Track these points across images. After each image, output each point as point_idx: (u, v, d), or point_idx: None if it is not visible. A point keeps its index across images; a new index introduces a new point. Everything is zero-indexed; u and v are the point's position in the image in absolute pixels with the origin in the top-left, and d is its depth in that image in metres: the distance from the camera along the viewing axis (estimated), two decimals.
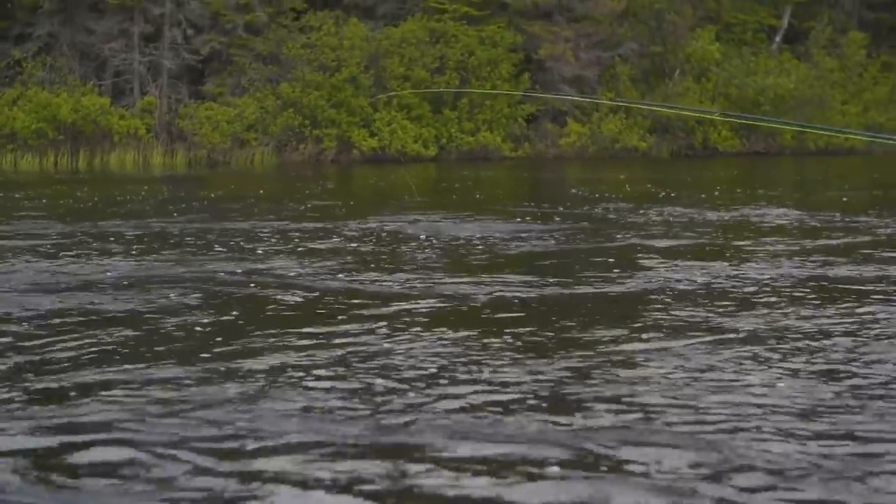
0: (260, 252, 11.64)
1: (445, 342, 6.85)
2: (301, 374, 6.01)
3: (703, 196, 20.45)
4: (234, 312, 7.95)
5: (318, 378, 5.92)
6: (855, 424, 5.06)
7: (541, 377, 5.96)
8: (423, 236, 13.22)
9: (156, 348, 6.67)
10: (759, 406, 5.35)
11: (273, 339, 6.93)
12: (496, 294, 8.74)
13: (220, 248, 11.99)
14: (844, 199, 19.31)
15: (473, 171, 31.28)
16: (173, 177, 31.57)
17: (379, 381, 5.86)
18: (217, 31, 40.75)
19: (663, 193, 20.92)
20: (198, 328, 7.36)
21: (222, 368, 6.13)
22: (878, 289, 8.94)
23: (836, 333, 7.09)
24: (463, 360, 6.36)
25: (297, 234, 13.61)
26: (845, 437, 4.88)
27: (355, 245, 12.41)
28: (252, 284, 9.30)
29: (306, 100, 38.84)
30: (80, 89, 38.58)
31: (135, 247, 12.13)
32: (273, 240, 12.92)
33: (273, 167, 36.84)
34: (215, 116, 38.64)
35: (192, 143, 38.89)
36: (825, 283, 9.27)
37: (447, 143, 40.22)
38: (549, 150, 41.16)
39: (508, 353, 6.53)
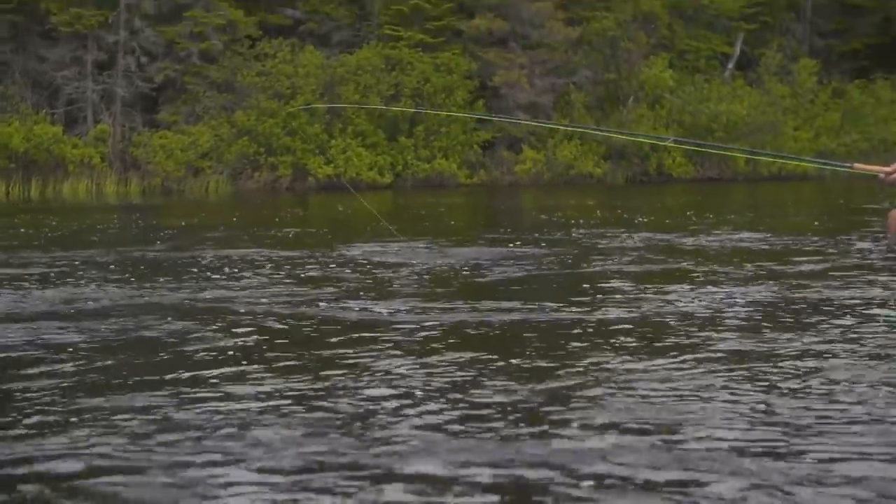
0: (249, 279, 11.58)
1: (435, 366, 6.81)
2: (290, 401, 5.95)
3: (672, 221, 20.53)
4: (226, 339, 7.89)
5: (309, 405, 5.86)
6: (835, 443, 5.05)
7: (527, 400, 5.94)
8: (415, 262, 13.21)
9: (145, 375, 6.59)
10: (743, 425, 5.34)
11: (263, 365, 6.88)
12: (485, 319, 8.73)
13: (212, 275, 11.93)
14: (816, 223, 19.43)
15: (435, 198, 31.25)
16: (134, 205, 31.35)
17: (368, 405, 5.82)
18: (171, 58, 40.61)
19: (638, 219, 20.99)
20: (192, 354, 7.32)
21: (211, 395, 6.08)
22: (854, 310, 8.99)
23: (813, 353, 7.10)
24: (452, 383, 6.33)
25: (281, 261, 13.52)
26: (829, 455, 4.88)
27: (346, 271, 12.35)
28: (242, 311, 9.25)
29: (261, 127, 38.77)
30: (33, 118, 38.34)
31: (127, 275, 12.03)
32: (261, 267, 12.85)
33: (228, 195, 36.71)
34: (169, 145, 38.48)
35: (146, 171, 38.72)
36: (807, 306, 9.31)
37: (403, 170, 40.23)
38: (505, 177, 41.25)
39: (498, 377, 6.51)
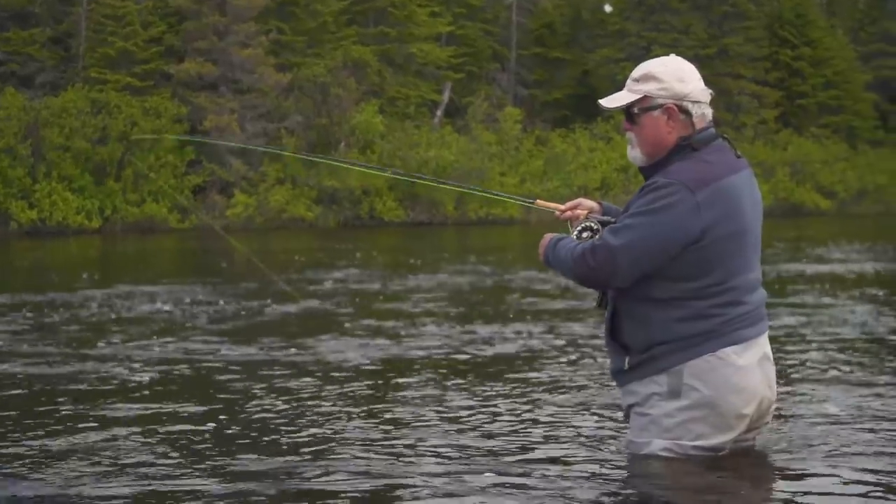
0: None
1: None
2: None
3: (427, 262, 21.06)
4: None
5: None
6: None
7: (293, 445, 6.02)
8: (187, 300, 13.17)
9: None
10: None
11: None
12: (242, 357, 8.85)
13: None
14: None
15: (156, 243, 30.52)
16: None
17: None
18: None
19: (413, 261, 21.34)
20: None
21: None
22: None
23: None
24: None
25: (57, 304, 13.08)
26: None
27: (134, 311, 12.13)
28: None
29: None
30: None
31: None
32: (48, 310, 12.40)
33: None
34: None
35: None
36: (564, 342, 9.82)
37: (112, 214, 39.21)
38: (217, 221, 40.72)
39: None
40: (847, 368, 7.82)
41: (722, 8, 55.50)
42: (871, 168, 57.23)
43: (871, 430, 5.61)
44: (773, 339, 7.82)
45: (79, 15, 43.36)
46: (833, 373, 7.63)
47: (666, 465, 4.67)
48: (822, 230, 34.80)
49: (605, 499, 4.50)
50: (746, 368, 4.67)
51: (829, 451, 5.20)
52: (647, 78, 4.79)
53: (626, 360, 4.80)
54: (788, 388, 6.83)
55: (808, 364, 8.05)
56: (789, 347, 8.91)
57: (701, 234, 4.57)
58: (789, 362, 8.04)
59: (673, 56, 4.91)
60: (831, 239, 27.97)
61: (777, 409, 5.81)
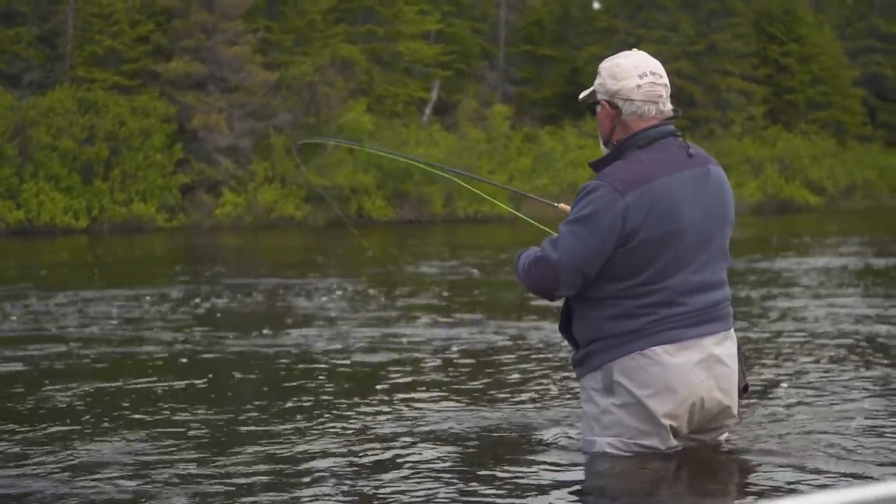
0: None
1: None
2: None
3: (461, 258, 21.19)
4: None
5: None
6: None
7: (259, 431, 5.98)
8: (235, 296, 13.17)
9: None
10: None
11: None
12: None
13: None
14: None
15: (149, 243, 30.43)
16: None
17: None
18: None
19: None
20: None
21: None
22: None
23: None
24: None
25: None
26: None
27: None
28: None
29: None
30: None
31: None
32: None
33: None
34: None
35: None
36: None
37: (99, 214, 39.09)
38: (205, 221, 40.68)
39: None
40: (825, 365, 7.81)
41: (710, 5, 55.51)
42: (859, 163, 57.25)
43: (839, 431, 5.52)
44: (759, 334, 7.83)
45: (66, 13, 43.24)
46: (813, 367, 7.62)
47: (614, 462, 4.66)
48: (812, 225, 34.82)
49: (555, 496, 4.46)
50: (678, 368, 4.60)
51: (795, 448, 5.12)
52: (598, 72, 4.90)
53: (573, 354, 4.87)
54: (768, 383, 6.81)
55: (786, 358, 8.04)
56: (770, 343, 8.90)
57: (629, 236, 4.57)
58: (768, 356, 8.03)
59: (632, 51, 4.94)
60: (821, 234, 28.00)
61: (751, 405, 5.81)
